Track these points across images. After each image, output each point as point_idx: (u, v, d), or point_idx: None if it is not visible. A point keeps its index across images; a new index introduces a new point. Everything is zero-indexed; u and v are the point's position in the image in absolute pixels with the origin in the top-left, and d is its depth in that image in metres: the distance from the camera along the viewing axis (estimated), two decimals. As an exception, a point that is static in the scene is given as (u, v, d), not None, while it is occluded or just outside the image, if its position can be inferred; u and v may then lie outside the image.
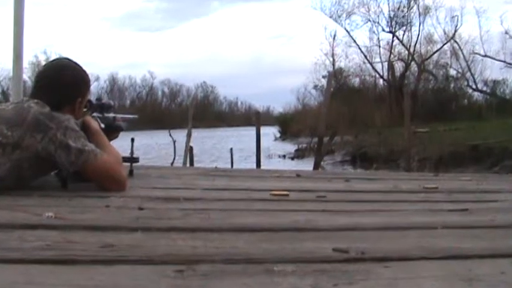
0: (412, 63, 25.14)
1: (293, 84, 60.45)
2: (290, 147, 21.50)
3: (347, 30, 26.80)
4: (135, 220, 1.23)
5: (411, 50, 24.73)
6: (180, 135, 11.51)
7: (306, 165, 13.76)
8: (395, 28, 24.84)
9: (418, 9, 24.53)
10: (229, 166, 11.48)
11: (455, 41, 23.64)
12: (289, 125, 29.03)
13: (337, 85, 25.98)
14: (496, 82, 23.86)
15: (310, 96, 32.90)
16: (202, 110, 62.82)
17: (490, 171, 10.43)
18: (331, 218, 1.35)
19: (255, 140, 11.31)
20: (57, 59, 1.95)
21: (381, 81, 26.51)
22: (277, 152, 19.53)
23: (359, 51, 26.02)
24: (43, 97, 1.77)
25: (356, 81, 27.64)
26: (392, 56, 25.23)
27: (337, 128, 17.52)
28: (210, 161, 15.81)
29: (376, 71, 26.27)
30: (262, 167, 9.78)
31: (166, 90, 71.29)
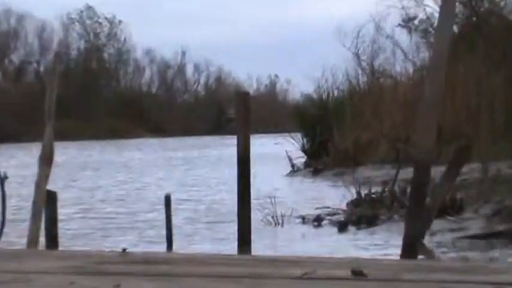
0: None
1: (339, 16, 61.36)
2: (334, 193, 21.55)
3: None
4: None
5: None
6: (21, 159, 11.56)
7: (380, 243, 13.71)
8: None
9: None
10: (163, 247, 11.47)
11: None
12: (330, 130, 29.19)
13: (465, 18, 26.24)
14: None
15: (391, 50, 33.20)
16: (85, 90, 62.32)
17: None
18: None
19: (234, 172, 11.33)
20: None
21: None
22: (298, 209, 19.56)
23: None
24: None
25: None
26: None
27: (471, 135, 17.36)
28: (106, 234, 15.70)
29: None
30: (254, 251, 9.74)
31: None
